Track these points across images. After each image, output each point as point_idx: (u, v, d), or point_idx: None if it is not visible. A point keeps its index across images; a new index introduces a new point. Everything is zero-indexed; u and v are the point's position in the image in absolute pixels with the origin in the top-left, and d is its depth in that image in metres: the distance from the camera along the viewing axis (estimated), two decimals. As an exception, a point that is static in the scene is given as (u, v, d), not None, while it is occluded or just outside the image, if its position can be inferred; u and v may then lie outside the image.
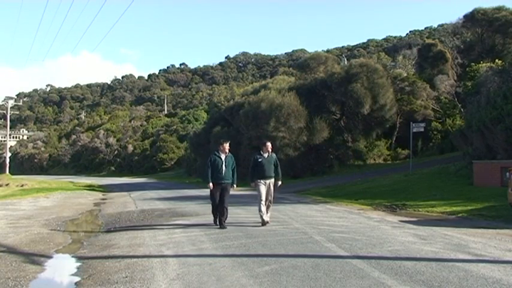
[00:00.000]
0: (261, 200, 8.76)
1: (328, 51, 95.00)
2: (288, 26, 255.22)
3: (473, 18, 32.20)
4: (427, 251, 6.13)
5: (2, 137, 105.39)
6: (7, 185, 26.51)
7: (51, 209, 14.42)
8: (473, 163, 15.80)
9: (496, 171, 14.21)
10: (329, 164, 28.55)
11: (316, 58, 32.37)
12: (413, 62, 36.85)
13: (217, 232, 8.14)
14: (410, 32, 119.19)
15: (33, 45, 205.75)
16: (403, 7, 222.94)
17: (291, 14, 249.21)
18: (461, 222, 9.18)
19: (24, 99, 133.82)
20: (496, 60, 24.68)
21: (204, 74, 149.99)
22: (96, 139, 77.26)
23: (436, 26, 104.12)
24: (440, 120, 30.13)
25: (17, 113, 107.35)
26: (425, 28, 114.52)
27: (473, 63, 27.76)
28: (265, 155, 8.97)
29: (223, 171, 8.73)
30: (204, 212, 11.55)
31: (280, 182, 9.17)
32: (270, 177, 8.92)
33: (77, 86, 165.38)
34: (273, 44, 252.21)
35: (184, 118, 73.48)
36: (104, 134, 78.53)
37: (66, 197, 20.14)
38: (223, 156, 8.84)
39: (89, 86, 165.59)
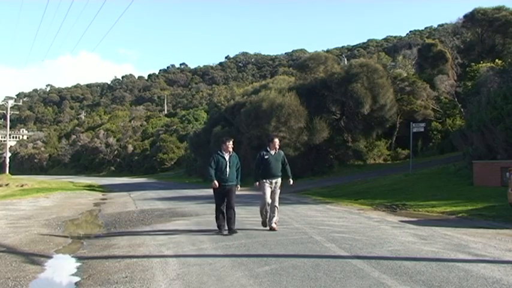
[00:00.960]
0: (266, 203, 8.05)
1: (328, 51, 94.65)
2: (288, 26, 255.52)
3: (473, 18, 32.20)
4: (427, 251, 6.13)
5: (2, 137, 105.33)
6: (7, 185, 26.49)
7: (51, 209, 14.41)
8: (474, 163, 15.81)
9: (496, 171, 14.22)
10: (329, 164, 28.54)
11: (316, 58, 32.28)
12: (413, 62, 36.75)
13: (217, 232, 8.11)
14: (410, 32, 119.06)
15: (33, 45, 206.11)
16: (403, 7, 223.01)
17: (291, 14, 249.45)
18: (462, 222, 9.18)
19: (24, 99, 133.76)
20: (496, 60, 24.73)
21: (204, 74, 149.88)
22: (96, 139, 77.20)
23: (436, 26, 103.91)
24: (440, 120, 30.15)
25: (17, 113, 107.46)
26: (425, 28, 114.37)
27: (473, 63, 27.83)
28: (272, 152, 8.26)
29: (227, 173, 7.91)
30: (204, 212, 11.56)
31: (292, 181, 8.54)
32: (276, 177, 8.21)
33: (76, 86, 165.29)
34: (273, 44, 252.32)
35: (184, 118, 73.46)
36: (103, 134, 78.45)
37: (66, 197, 20.14)
38: (227, 156, 8.01)
39: (88, 86, 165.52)
